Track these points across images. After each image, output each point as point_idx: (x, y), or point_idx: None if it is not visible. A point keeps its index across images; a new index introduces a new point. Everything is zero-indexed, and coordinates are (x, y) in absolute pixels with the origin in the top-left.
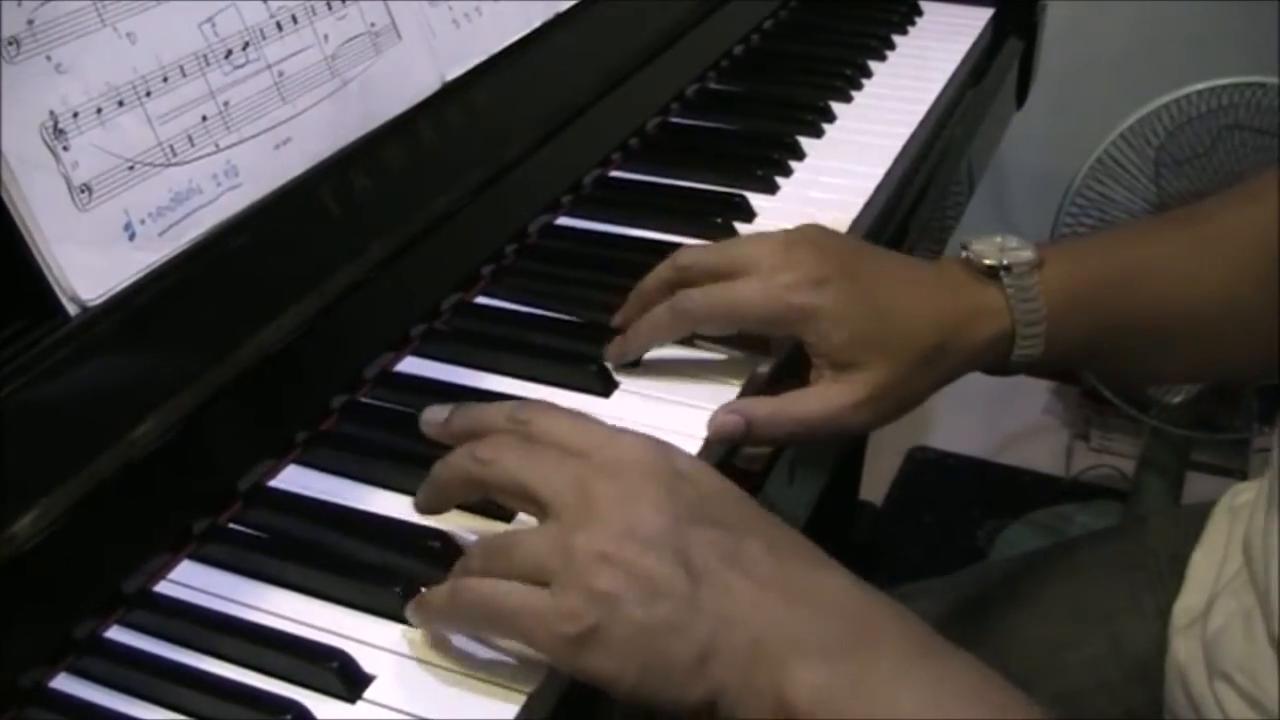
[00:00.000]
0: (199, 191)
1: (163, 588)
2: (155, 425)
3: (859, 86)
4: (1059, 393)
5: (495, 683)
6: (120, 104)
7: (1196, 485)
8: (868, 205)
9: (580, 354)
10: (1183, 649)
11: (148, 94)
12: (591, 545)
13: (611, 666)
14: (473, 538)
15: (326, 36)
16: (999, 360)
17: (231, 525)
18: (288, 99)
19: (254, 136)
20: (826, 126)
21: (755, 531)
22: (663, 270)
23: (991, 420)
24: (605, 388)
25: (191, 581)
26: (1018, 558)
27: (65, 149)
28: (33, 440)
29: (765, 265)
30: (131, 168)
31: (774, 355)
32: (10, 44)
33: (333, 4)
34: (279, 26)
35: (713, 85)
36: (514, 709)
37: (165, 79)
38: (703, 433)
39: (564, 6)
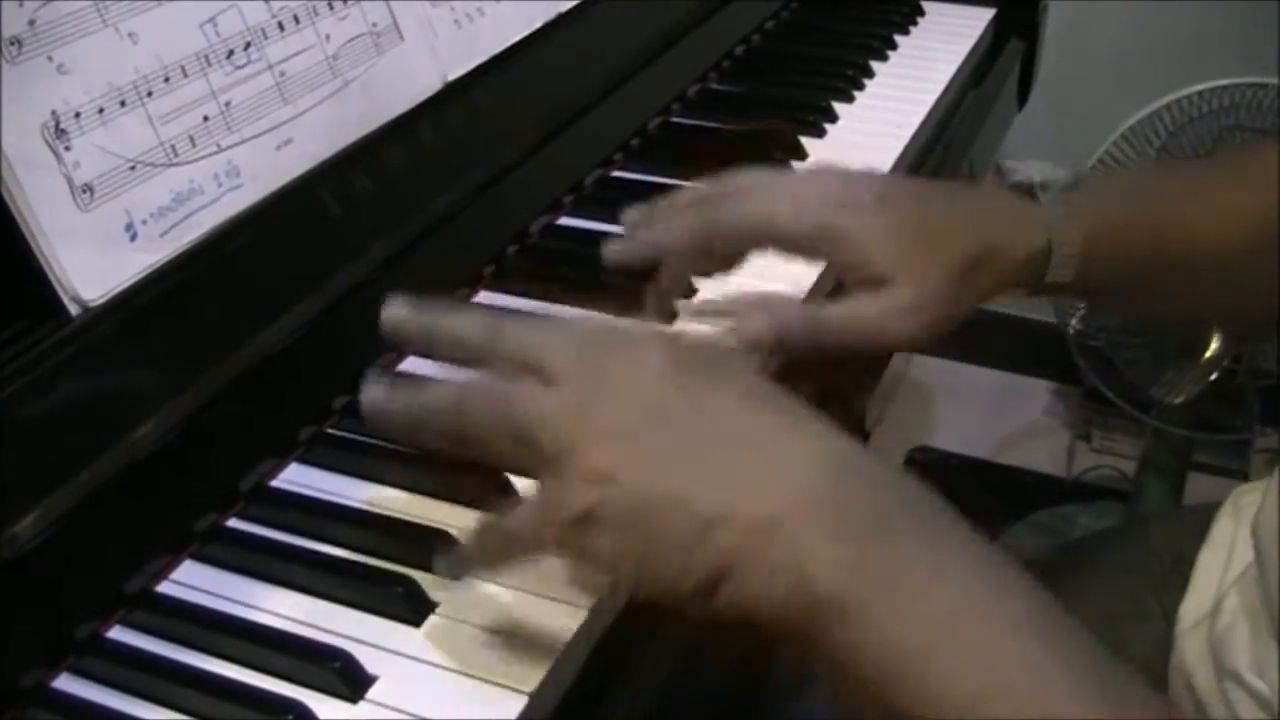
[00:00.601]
0: (200, 192)
1: (164, 588)
2: (157, 425)
3: (861, 87)
4: (1060, 393)
5: (497, 683)
6: (122, 104)
7: (1198, 486)
8: None
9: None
10: (1189, 650)
11: (149, 94)
12: (594, 419)
13: (613, 545)
14: None
15: (328, 36)
16: (1032, 282)
17: (233, 525)
18: (289, 99)
19: (255, 137)
20: (828, 126)
21: (769, 404)
22: (683, 194)
23: (993, 421)
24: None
25: (193, 581)
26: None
27: (67, 149)
28: (35, 440)
29: (791, 190)
30: (133, 168)
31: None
32: (12, 44)
33: (334, 4)
34: (280, 26)
35: (715, 85)
36: (516, 709)
37: (167, 79)
38: None
39: (565, 7)
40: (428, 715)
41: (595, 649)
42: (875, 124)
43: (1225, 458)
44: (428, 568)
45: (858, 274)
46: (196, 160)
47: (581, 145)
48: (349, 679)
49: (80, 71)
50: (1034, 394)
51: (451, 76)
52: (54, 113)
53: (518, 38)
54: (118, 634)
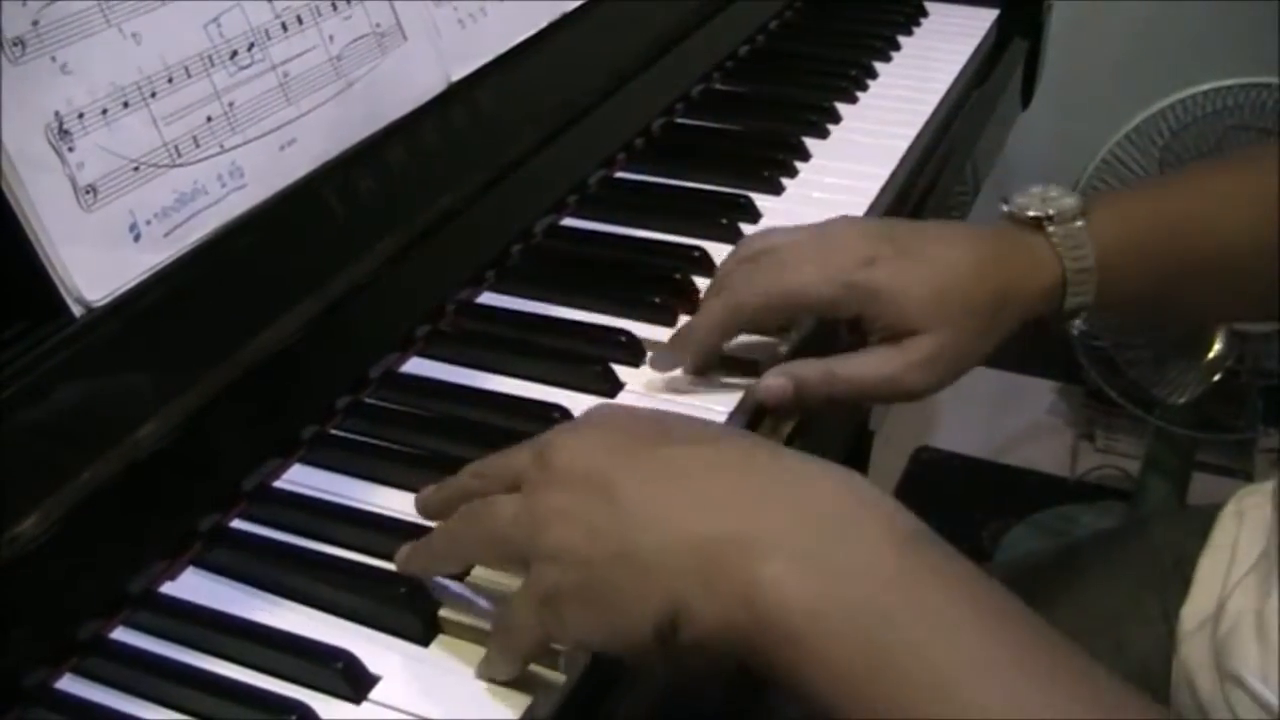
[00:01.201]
0: (204, 192)
1: (167, 588)
2: (160, 425)
3: (864, 87)
4: (1063, 393)
5: (500, 683)
6: (125, 105)
7: (1201, 486)
8: (872, 206)
9: (585, 354)
10: (1191, 652)
11: (153, 95)
12: (546, 504)
13: (579, 617)
14: None
15: (332, 37)
16: (1053, 310)
17: (236, 525)
18: (293, 100)
19: (259, 137)
20: (831, 127)
21: (714, 441)
22: (715, 311)
23: (996, 421)
24: (610, 388)
25: (196, 582)
26: (1021, 560)
27: (70, 150)
28: (37, 440)
29: (813, 255)
30: (136, 168)
31: (789, 340)
32: (15, 45)
33: (338, 4)
34: (284, 27)
35: (718, 86)
36: (519, 709)
37: (170, 80)
38: None
39: (569, 7)
40: (431, 715)
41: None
42: (879, 124)
43: (1229, 458)
44: None
45: (890, 327)
46: (200, 161)
47: (585, 145)
48: (352, 679)
49: (83, 72)
50: (1037, 394)
51: (455, 77)
52: (57, 113)
53: (521, 38)
54: (120, 634)
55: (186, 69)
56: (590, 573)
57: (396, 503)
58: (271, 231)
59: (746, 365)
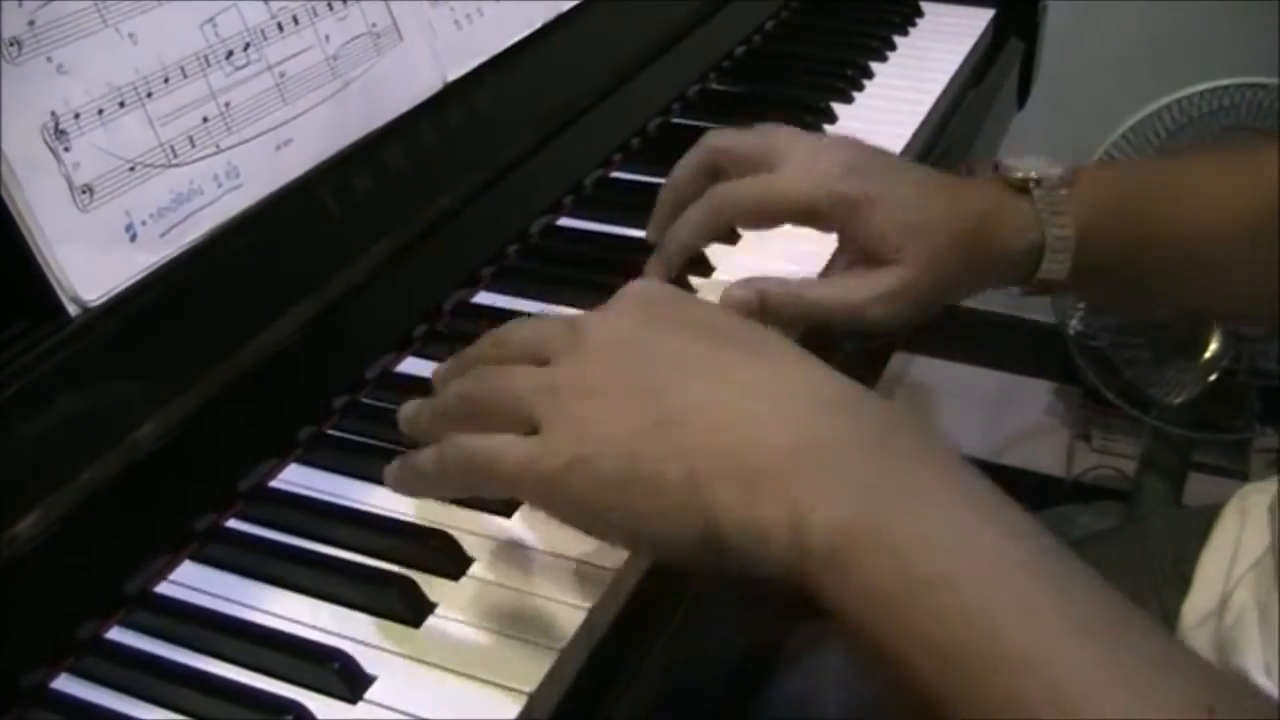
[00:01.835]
0: (200, 192)
1: (164, 588)
2: (156, 426)
3: (860, 87)
4: (1060, 393)
5: (496, 683)
6: (121, 105)
7: (1198, 486)
8: None
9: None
10: (1193, 647)
11: (149, 95)
12: (577, 378)
13: (599, 500)
14: (473, 539)
15: (328, 37)
16: (1024, 276)
17: (233, 525)
18: (289, 100)
19: (255, 137)
20: (828, 127)
21: (760, 347)
22: (693, 155)
23: (993, 421)
24: None
25: (193, 582)
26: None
27: (66, 150)
28: (35, 441)
29: (803, 153)
30: (133, 169)
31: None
32: (11, 45)
33: (334, 4)
34: (280, 27)
35: (714, 86)
36: (515, 709)
37: (166, 80)
38: None
39: (565, 7)
40: (426, 715)
41: (594, 649)
42: (874, 124)
43: (1225, 458)
44: (427, 568)
45: (865, 246)
46: (196, 161)
47: (581, 146)
48: (348, 679)
49: (80, 72)
50: (1034, 394)
51: (451, 77)
52: (54, 113)
53: (518, 38)
54: (117, 634)
55: (183, 69)
56: (632, 466)
57: (394, 502)
58: (268, 232)
59: None
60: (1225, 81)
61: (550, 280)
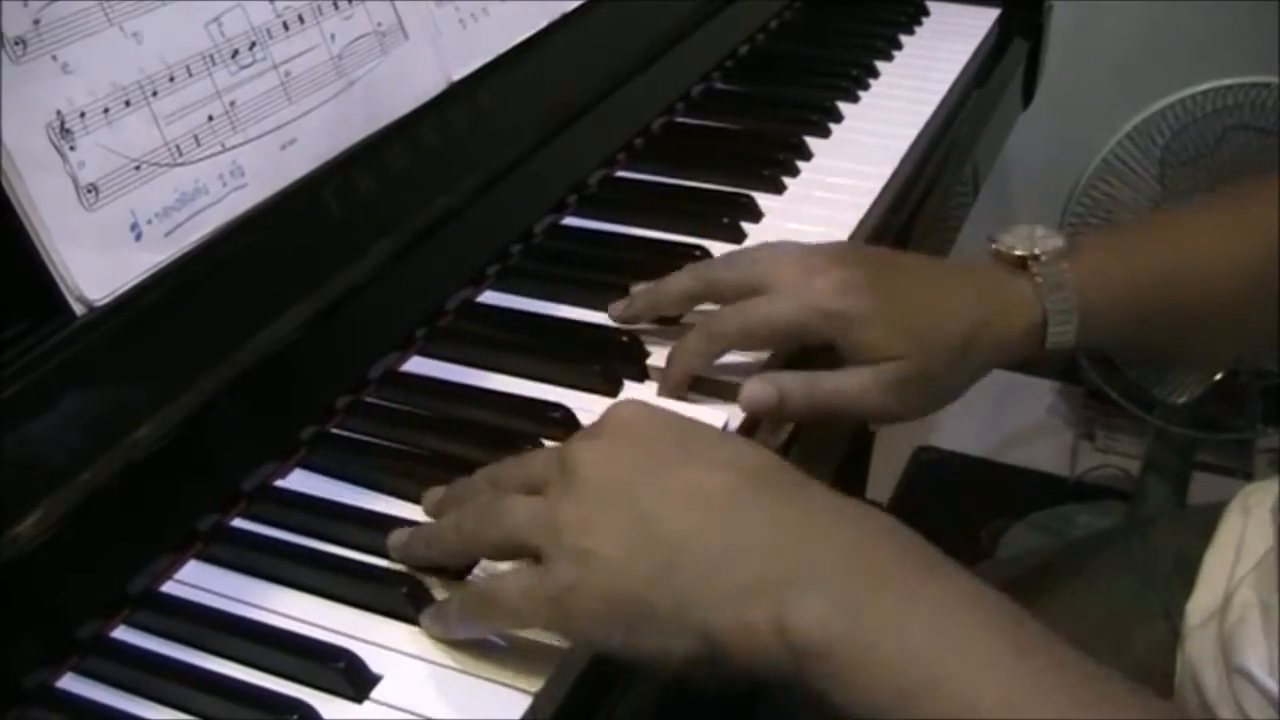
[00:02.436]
0: (205, 192)
1: (169, 588)
2: (161, 425)
3: (866, 87)
4: (1063, 393)
5: (502, 682)
6: (127, 104)
7: (1201, 486)
8: (874, 205)
9: (586, 354)
10: (1196, 648)
11: (154, 94)
12: (570, 512)
13: (596, 624)
14: None
15: (333, 36)
16: (1033, 350)
17: (237, 525)
18: (294, 99)
19: (260, 137)
20: (833, 126)
21: (747, 472)
22: (684, 282)
23: (996, 420)
24: (611, 387)
25: (198, 581)
26: (1021, 559)
27: (72, 149)
28: (38, 439)
29: (792, 276)
30: (138, 168)
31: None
32: (16, 44)
33: (339, 4)
34: (285, 26)
35: (719, 85)
36: (521, 708)
37: (171, 79)
38: None
39: (570, 7)
40: (432, 715)
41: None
42: (880, 123)
43: (1228, 458)
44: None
45: (861, 356)
46: (201, 160)
47: (585, 145)
48: (353, 679)
49: (85, 71)
50: (1037, 394)
51: (456, 76)
52: (59, 112)
53: (522, 38)
54: (122, 634)
55: (188, 68)
56: (622, 591)
57: (397, 502)
58: (272, 231)
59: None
60: (1228, 81)
61: (554, 279)
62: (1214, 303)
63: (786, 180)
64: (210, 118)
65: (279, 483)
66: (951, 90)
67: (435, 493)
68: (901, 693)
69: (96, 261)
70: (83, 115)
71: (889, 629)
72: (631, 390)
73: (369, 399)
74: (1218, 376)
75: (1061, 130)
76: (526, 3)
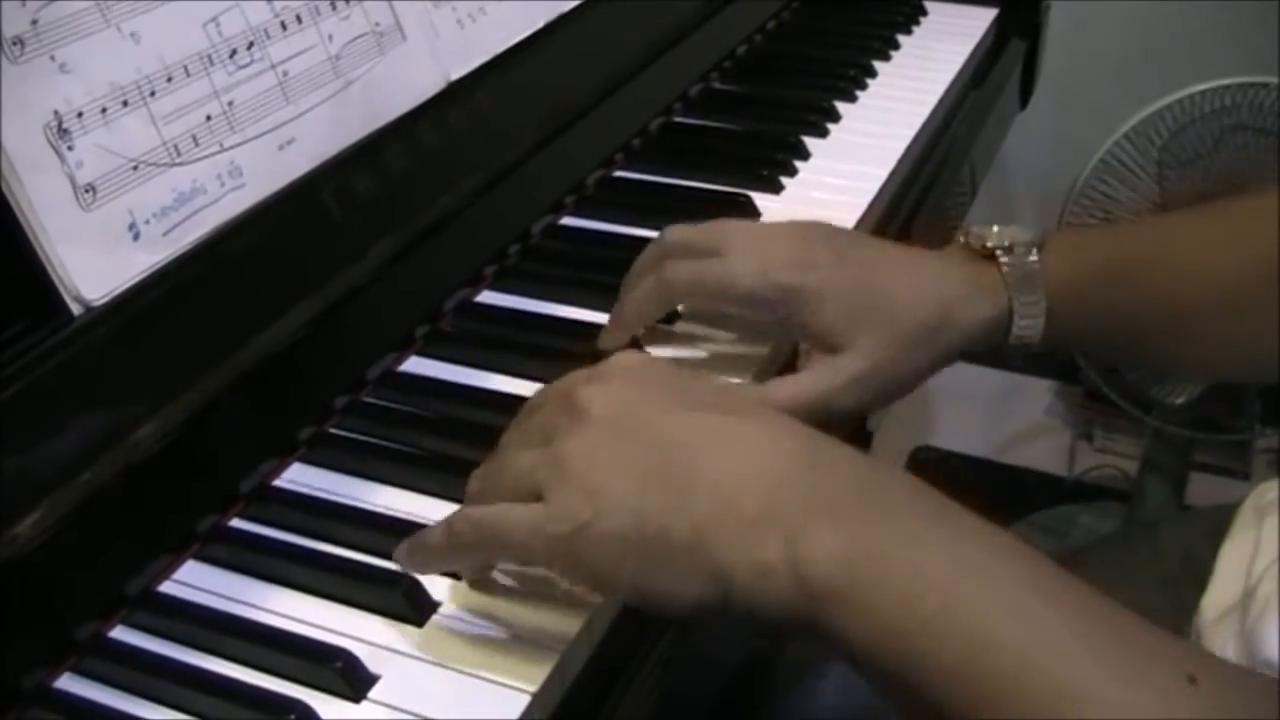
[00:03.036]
0: (203, 191)
1: (167, 588)
2: (159, 425)
3: (863, 86)
4: (1062, 393)
5: (499, 682)
6: (124, 104)
7: (1199, 486)
8: (872, 205)
9: (583, 354)
10: (1214, 641)
11: (152, 94)
12: (579, 449)
13: (608, 561)
14: None
15: (330, 36)
16: (997, 340)
17: (236, 525)
18: (291, 99)
19: (258, 136)
20: (831, 126)
21: (750, 413)
22: (649, 251)
23: (994, 420)
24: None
25: (196, 581)
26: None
27: (69, 149)
28: (36, 440)
29: (752, 247)
30: (135, 168)
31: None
32: (14, 44)
33: (337, 4)
34: (283, 26)
35: (717, 85)
36: (518, 708)
37: (169, 79)
38: None
39: (567, 7)
40: (429, 715)
41: (597, 648)
42: (878, 124)
43: (1226, 458)
44: None
45: (814, 337)
46: (199, 160)
47: (583, 145)
48: (351, 678)
49: (82, 71)
50: (1035, 394)
51: (454, 76)
52: (56, 112)
53: (520, 38)
54: (120, 634)
55: (185, 68)
56: (638, 524)
57: (396, 502)
58: (270, 231)
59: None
60: (1226, 81)
61: (552, 279)
62: (1192, 311)
63: (784, 180)
64: (208, 118)
65: (277, 483)
66: (949, 90)
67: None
68: (912, 617)
69: (94, 262)
70: (80, 115)
71: (901, 557)
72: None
73: (367, 399)
74: None
75: (1059, 130)
76: (524, 3)
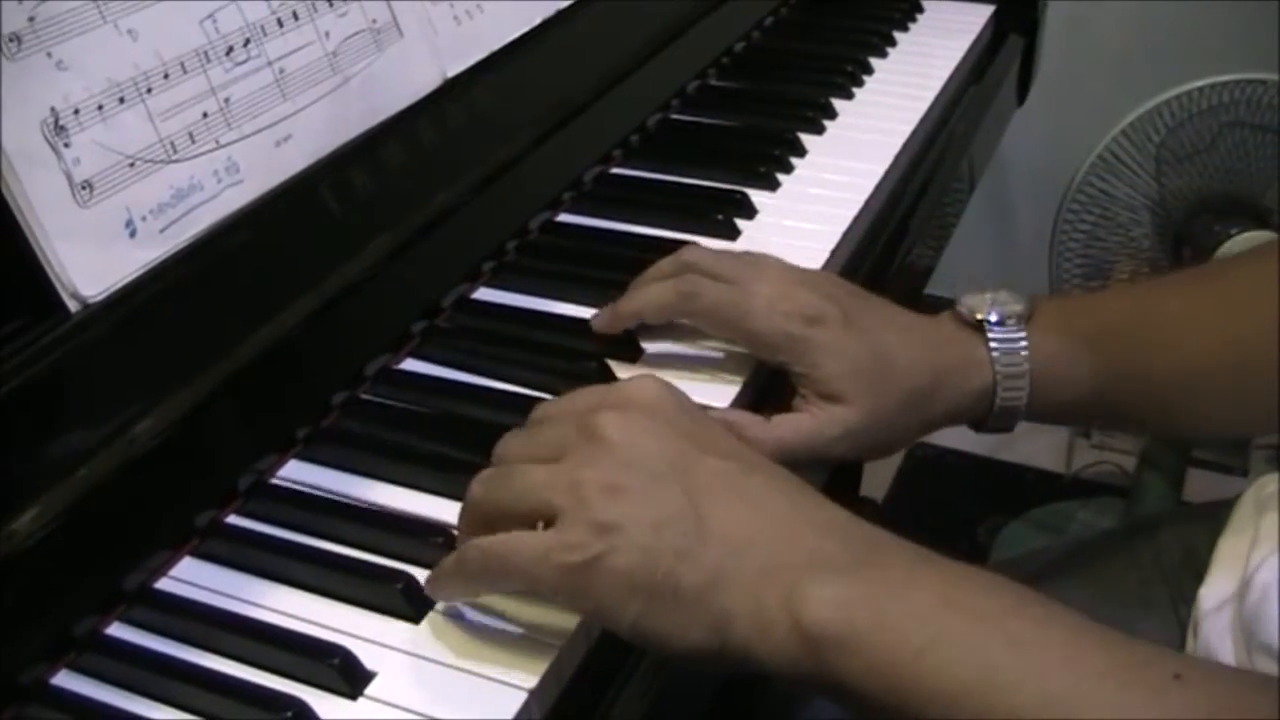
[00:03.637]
0: (200, 188)
1: (164, 584)
2: (156, 422)
3: (860, 83)
4: None
5: (496, 680)
6: (121, 100)
7: (1197, 482)
8: (868, 202)
9: (581, 351)
10: (1213, 630)
11: (149, 91)
12: (597, 477)
13: (614, 596)
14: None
15: (328, 33)
16: (984, 410)
17: (233, 522)
18: (289, 96)
19: (255, 133)
20: (828, 123)
21: (757, 465)
22: (667, 265)
23: None
24: (607, 383)
25: (193, 578)
26: (1021, 559)
27: (66, 145)
28: (34, 436)
29: (767, 292)
30: (133, 164)
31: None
32: (11, 41)
33: (334, 1)
34: (280, 23)
35: (714, 82)
36: (515, 706)
37: (166, 75)
38: None
39: (565, 4)
40: (426, 712)
41: (594, 646)
42: (875, 120)
43: (1224, 454)
44: (427, 564)
45: (814, 387)
46: (196, 157)
47: (581, 142)
48: (348, 675)
49: (80, 68)
50: None
51: (451, 73)
52: (53, 109)
53: (517, 34)
54: (117, 630)
55: (183, 65)
56: (649, 564)
57: (393, 499)
58: (268, 228)
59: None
60: (1224, 78)
61: (549, 276)
62: (1182, 381)
63: (781, 177)
64: (205, 114)
65: (275, 479)
66: (946, 86)
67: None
68: (908, 652)
69: (91, 258)
70: (77, 112)
71: (895, 599)
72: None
73: (365, 396)
74: None
75: (1057, 126)
76: (521, 0)
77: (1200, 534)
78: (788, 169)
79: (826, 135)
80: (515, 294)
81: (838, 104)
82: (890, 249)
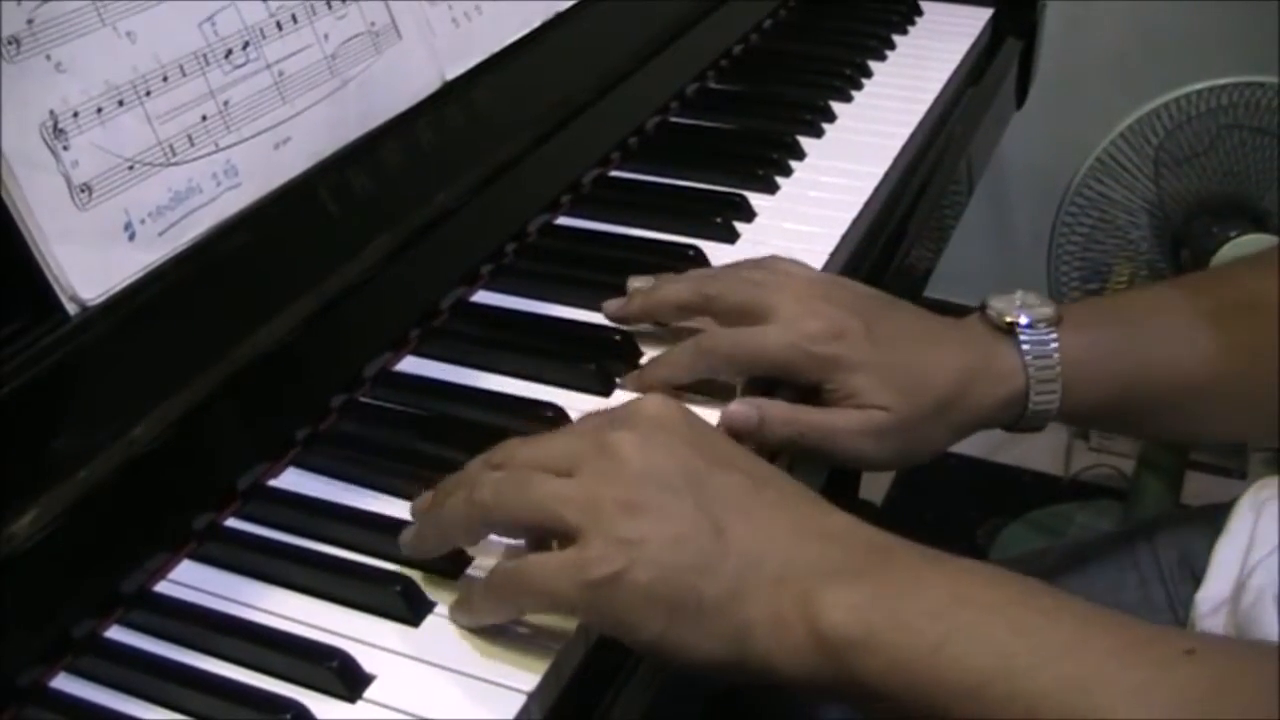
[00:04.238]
0: (199, 191)
1: (162, 587)
2: (154, 424)
3: (859, 86)
4: None
5: (495, 682)
6: (120, 103)
7: (1195, 484)
8: (867, 205)
9: (579, 353)
10: (1210, 631)
11: (147, 93)
12: (614, 494)
13: (637, 612)
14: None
15: (326, 36)
16: (1015, 415)
17: (231, 524)
18: (287, 98)
19: (254, 136)
20: (826, 126)
21: (766, 477)
22: (684, 291)
23: None
24: (605, 387)
25: (191, 581)
26: (1021, 559)
27: (65, 148)
28: (32, 439)
29: (788, 312)
30: (131, 167)
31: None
32: (10, 43)
33: (332, 3)
34: (279, 26)
35: (712, 85)
36: (514, 708)
37: (165, 78)
38: None
39: (563, 6)
40: (425, 714)
41: (593, 648)
42: (874, 122)
43: (1222, 456)
44: (425, 567)
45: (841, 399)
46: (195, 159)
47: (579, 144)
48: (347, 678)
49: (78, 71)
50: None
51: (449, 75)
52: (52, 112)
53: (515, 37)
54: (115, 633)
55: (181, 68)
56: (670, 579)
57: (391, 501)
58: (266, 230)
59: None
60: (1224, 80)
61: (548, 279)
62: (1193, 383)
63: (780, 180)
64: (204, 117)
65: (273, 482)
66: (945, 89)
67: (423, 498)
68: (924, 649)
69: (90, 261)
70: (76, 115)
71: (908, 598)
72: (625, 390)
73: (363, 398)
74: None
75: (1055, 129)
76: (520, 2)
77: (1198, 537)
78: (786, 172)
79: (825, 138)
80: (513, 296)
81: (836, 107)
82: (889, 251)
